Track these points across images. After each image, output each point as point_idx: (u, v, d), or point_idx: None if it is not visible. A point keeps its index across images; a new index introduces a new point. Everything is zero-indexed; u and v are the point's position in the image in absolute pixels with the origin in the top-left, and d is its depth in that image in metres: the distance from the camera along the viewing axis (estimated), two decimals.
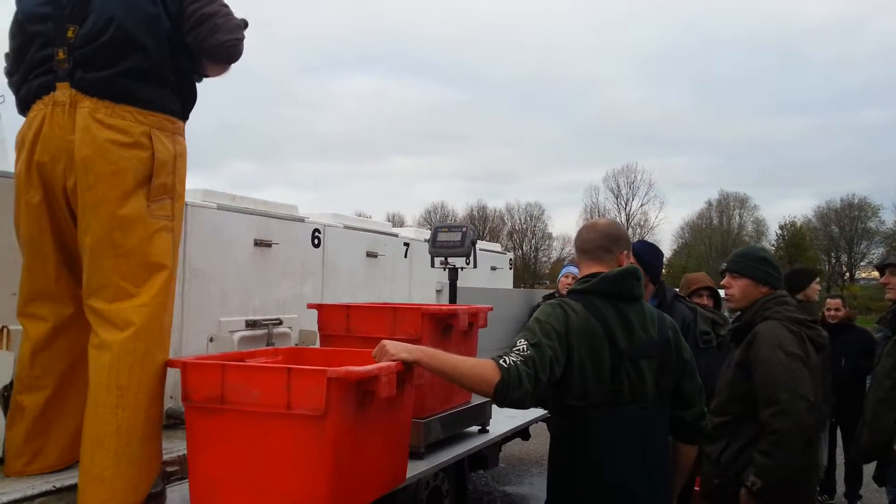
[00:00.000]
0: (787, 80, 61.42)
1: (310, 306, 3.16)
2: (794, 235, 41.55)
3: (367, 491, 2.25)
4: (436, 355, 2.08)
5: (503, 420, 3.82)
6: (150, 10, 2.27)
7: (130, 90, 2.23)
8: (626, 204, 46.94)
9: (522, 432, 4.80)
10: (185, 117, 2.43)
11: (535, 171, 67.28)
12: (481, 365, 2.00)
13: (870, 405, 3.33)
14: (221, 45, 2.29)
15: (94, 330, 2.19)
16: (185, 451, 2.22)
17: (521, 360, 1.98)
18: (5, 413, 2.34)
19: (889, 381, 3.25)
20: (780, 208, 76.13)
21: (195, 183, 3.09)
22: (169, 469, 2.40)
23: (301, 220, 4.14)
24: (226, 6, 2.36)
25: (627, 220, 45.40)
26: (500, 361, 1.98)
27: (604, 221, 2.41)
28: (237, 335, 3.49)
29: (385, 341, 2.14)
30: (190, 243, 3.26)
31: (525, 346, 2.02)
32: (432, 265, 4.31)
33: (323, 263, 4.30)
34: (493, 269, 6.62)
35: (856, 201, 42.77)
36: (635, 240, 3.26)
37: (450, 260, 4.19)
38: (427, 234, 5.19)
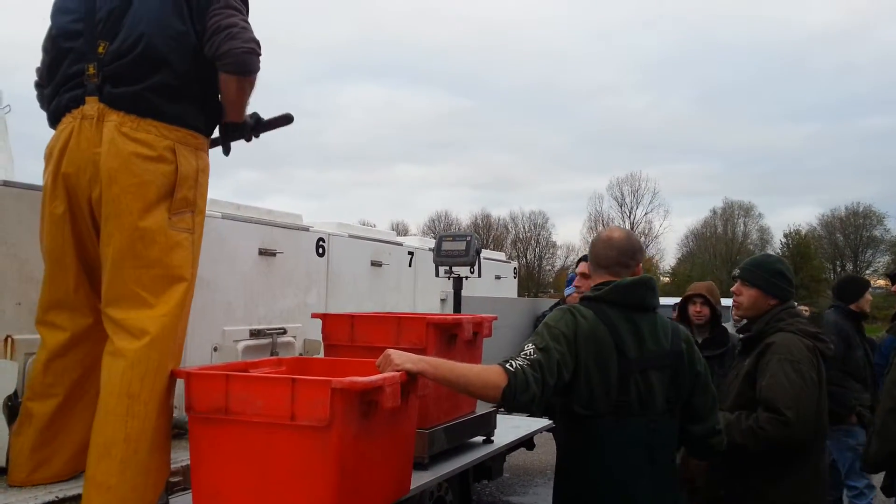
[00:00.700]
0: (791, 87, 61.29)
1: (314, 316, 3.16)
2: (798, 244, 41.30)
3: (371, 502, 2.24)
4: (440, 364, 2.07)
5: (508, 430, 3.79)
6: (179, 28, 2.30)
7: (157, 105, 2.26)
8: (630, 212, 46.88)
9: (527, 442, 4.76)
10: (209, 133, 2.47)
11: (539, 180, 67.32)
12: (487, 370, 1.99)
13: (880, 415, 3.30)
14: (233, 51, 2.30)
15: (109, 338, 2.20)
16: (188, 462, 2.21)
17: (528, 364, 1.97)
18: (9, 423, 2.34)
19: None
20: (785, 216, 75.85)
21: None
22: (172, 479, 2.39)
23: (305, 229, 4.13)
24: (245, 21, 2.37)
25: (632, 229, 45.13)
26: (507, 365, 1.97)
27: (619, 235, 2.35)
28: (241, 345, 3.48)
29: (389, 351, 2.13)
30: None
31: (532, 350, 2.02)
32: (437, 274, 4.30)
33: (327, 272, 4.29)
34: (498, 277, 6.60)
35: (861, 209, 42.53)
36: None
37: (454, 269, 4.19)
38: (431, 242, 5.19)
